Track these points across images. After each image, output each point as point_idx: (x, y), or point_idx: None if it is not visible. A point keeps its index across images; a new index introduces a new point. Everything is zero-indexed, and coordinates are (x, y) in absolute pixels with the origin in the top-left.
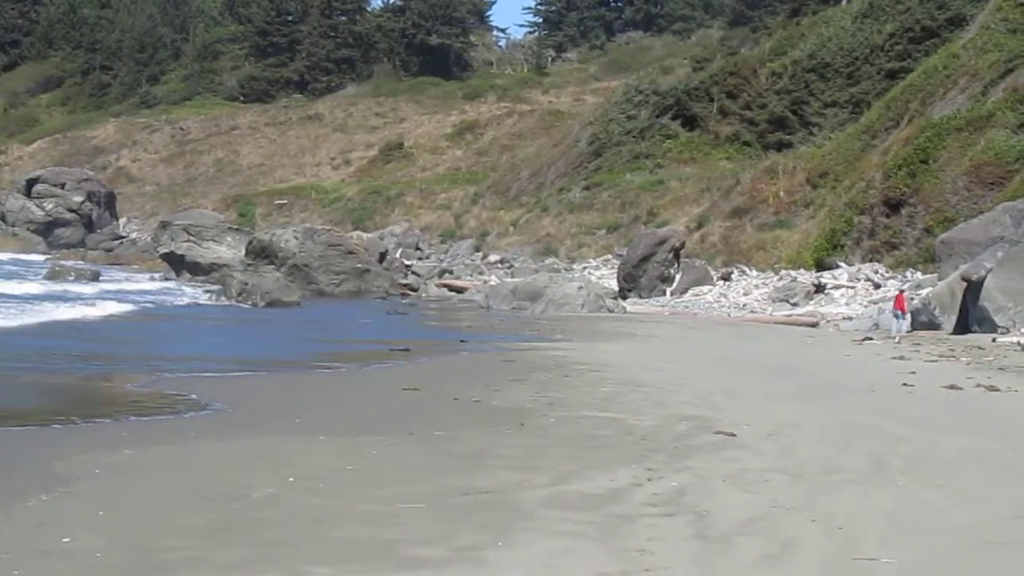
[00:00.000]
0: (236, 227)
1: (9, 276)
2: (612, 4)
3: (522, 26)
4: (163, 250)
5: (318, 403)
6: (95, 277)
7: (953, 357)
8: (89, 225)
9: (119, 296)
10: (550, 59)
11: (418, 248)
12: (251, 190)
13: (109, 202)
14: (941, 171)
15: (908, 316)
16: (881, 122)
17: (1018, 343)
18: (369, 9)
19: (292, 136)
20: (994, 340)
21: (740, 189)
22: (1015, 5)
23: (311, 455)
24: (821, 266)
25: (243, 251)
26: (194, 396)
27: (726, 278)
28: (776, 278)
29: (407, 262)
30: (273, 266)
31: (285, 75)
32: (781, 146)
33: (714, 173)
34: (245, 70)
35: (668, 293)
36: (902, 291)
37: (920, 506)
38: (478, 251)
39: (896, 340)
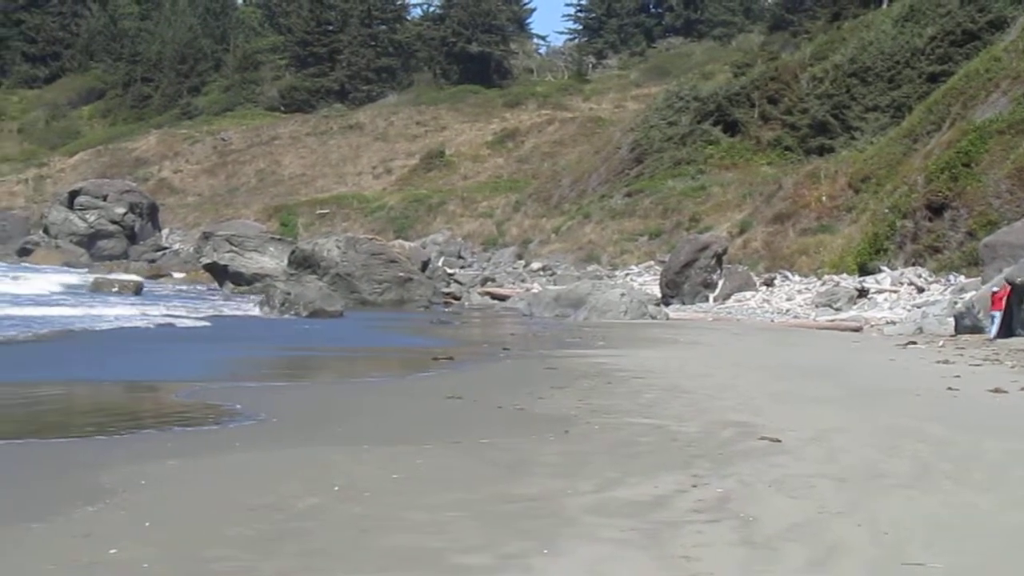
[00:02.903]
0: (278, 237)
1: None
2: (652, 10)
3: (562, 33)
4: (206, 261)
5: (362, 412)
6: (138, 290)
7: (997, 361)
8: (132, 237)
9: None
10: (590, 66)
11: (460, 256)
12: (293, 200)
13: (151, 213)
14: (984, 174)
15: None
16: (923, 126)
17: None
18: (409, 18)
19: (333, 145)
20: None
21: (782, 194)
22: None
23: (356, 464)
24: (864, 271)
25: (286, 261)
26: (238, 406)
27: (769, 284)
28: (819, 283)
29: (449, 270)
30: (316, 276)
31: (326, 85)
32: (823, 151)
33: (756, 178)
34: (286, 80)
35: (711, 299)
36: (995, 291)
37: (967, 510)
38: (520, 259)
39: (991, 338)
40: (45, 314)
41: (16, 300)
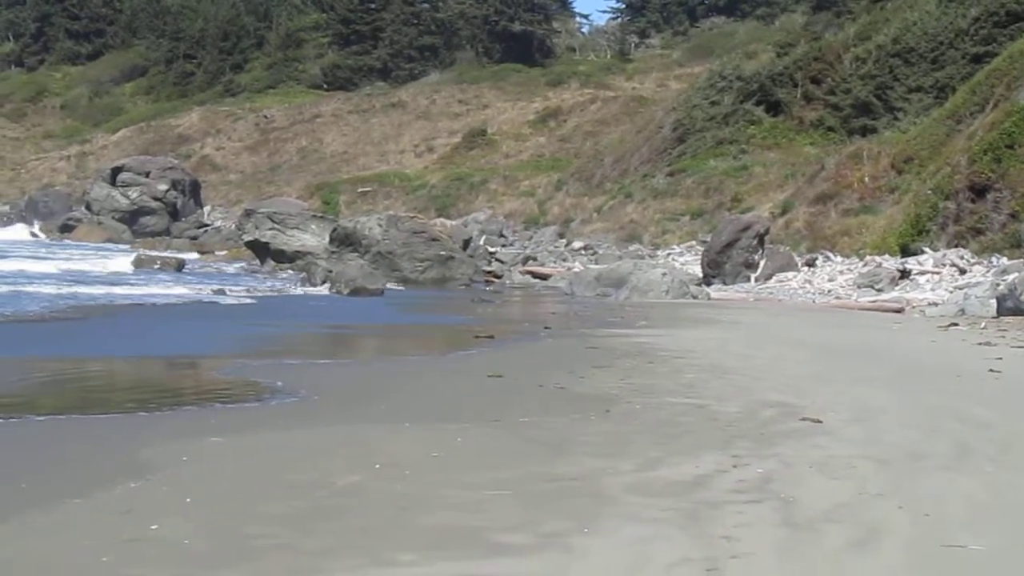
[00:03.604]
0: (320, 215)
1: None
2: None
3: (605, 12)
4: (247, 238)
5: (403, 390)
6: (180, 267)
7: None
8: (174, 213)
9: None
10: (633, 45)
11: (502, 235)
12: (335, 178)
13: (194, 190)
14: None
15: None
16: (966, 107)
17: None
18: None
19: (375, 124)
20: None
21: (825, 175)
22: None
23: (396, 442)
24: (906, 252)
25: (327, 239)
26: (279, 383)
27: (811, 264)
28: (861, 264)
29: (491, 249)
30: (357, 254)
31: (368, 63)
32: (866, 131)
33: (798, 159)
34: (328, 58)
35: (752, 279)
36: None
37: (1009, 491)
38: (562, 238)
39: None
40: (98, 292)
41: (81, 278)
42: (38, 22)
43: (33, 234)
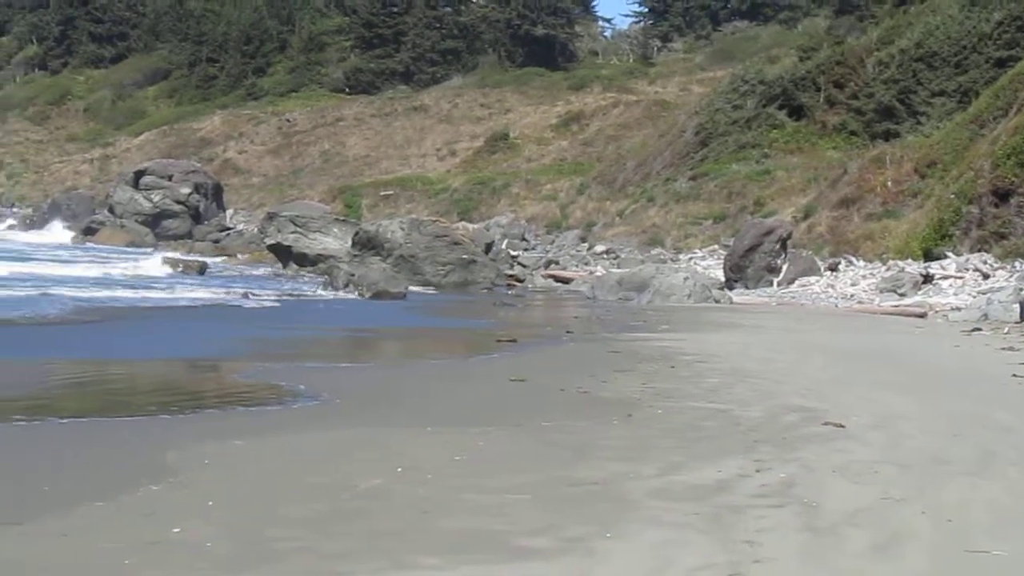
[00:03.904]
0: (342, 218)
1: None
2: None
3: (627, 16)
4: (270, 241)
5: (425, 394)
6: (202, 270)
7: None
8: (196, 217)
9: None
10: (656, 49)
11: (524, 239)
12: (357, 181)
13: (216, 194)
14: None
15: None
16: (989, 111)
17: None
18: (474, 0)
19: (398, 127)
20: None
21: (847, 179)
22: None
23: (418, 446)
24: (929, 256)
25: (349, 242)
26: (301, 386)
27: (833, 268)
28: (884, 268)
29: (513, 253)
30: (379, 257)
31: (390, 66)
32: (888, 135)
33: (821, 163)
34: (351, 62)
35: (775, 283)
36: None
37: None
38: (584, 242)
39: None
40: (122, 295)
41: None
42: (62, 25)
43: (73, 238)
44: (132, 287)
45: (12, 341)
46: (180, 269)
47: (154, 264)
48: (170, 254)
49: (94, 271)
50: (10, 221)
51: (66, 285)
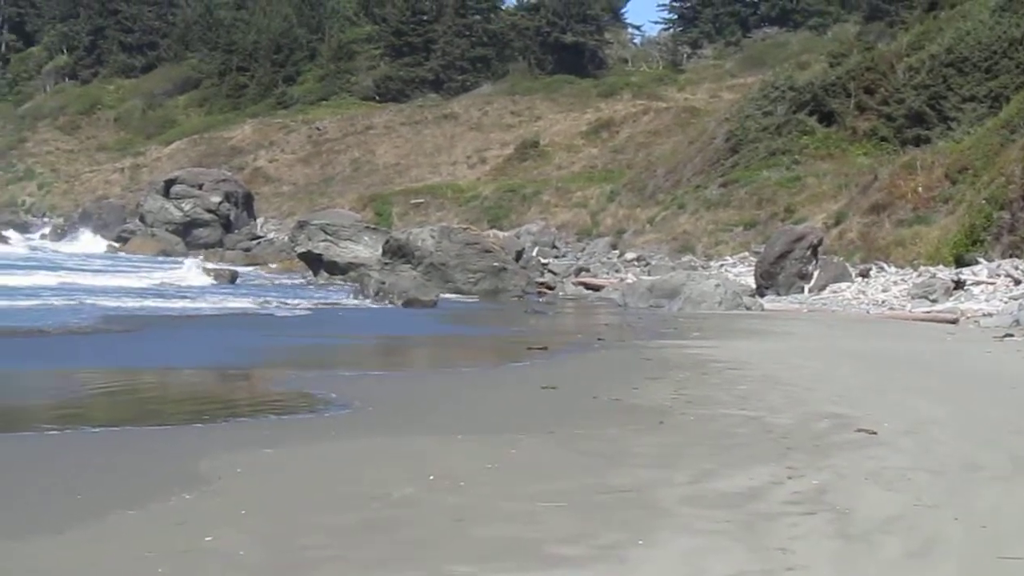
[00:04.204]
0: (373, 226)
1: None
2: (747, 0)
3: (657, 23)
4: (300, 250)
5: (456, 401)
6: (233, 278)
7: None
8: (227, 225)
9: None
10: (685, 56)
11: (554, 246)
12: (387, 189)
13: (247, 202)
14: None
15: None
16: (1020, 116)
17: None
18: (503, 8)
19: (428, 135)
20: None
21: (878, 185)
22: None
23: (450, 454)
24: (960, 262)
25: (380, 250)
26: (333, 395)
27: (864, 275)
28: (915, 274)
29: (543, 260)
30: (410, 265)
31: (420, 74)
32: (919, 141)
33: (851, 169)
34: (380, 70)
35: (806, 290)
36: None
37: None
38: (614, 249)
39: None
40: (153, 304)
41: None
42: (92, 35)
43: (106, 247)
44: (163, 296)
45: (45, 350)
46: (211, 278)
47: (185, 273)
48: (201, 263)
49: (125, 280)
50: (42, 231)
51: (97, 294)
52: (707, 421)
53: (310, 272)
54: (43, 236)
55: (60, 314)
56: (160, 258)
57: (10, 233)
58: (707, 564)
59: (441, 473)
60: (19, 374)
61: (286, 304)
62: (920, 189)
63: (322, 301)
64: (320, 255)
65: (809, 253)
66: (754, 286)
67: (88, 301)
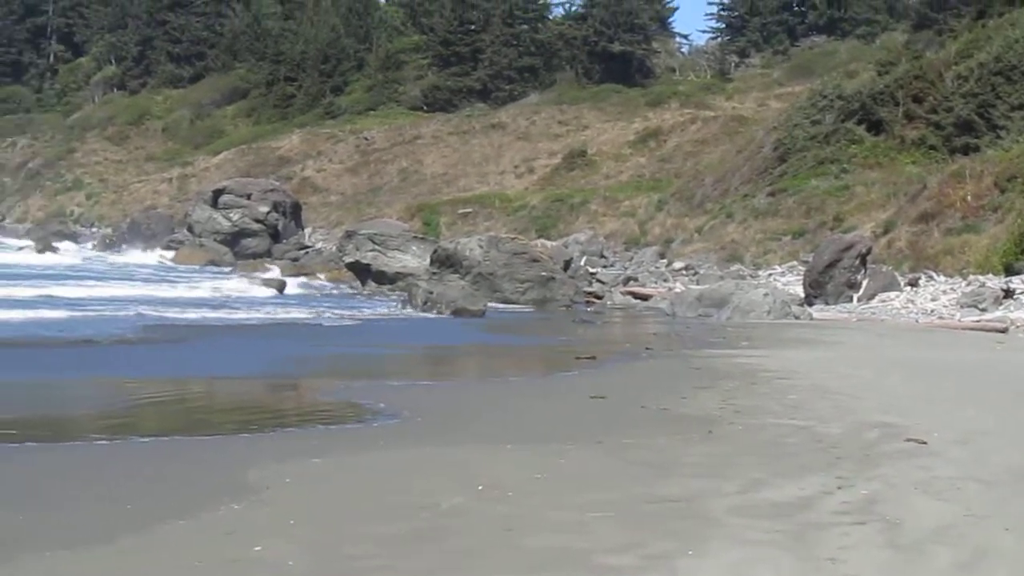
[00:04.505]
0: (421, 236)
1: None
2: (795, 8)
3: (704, 32)
4: (348, 259)
5: (505, 411)
6: (281, 288)
7: None
8: (275, 235)
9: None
10: (733, 64)
11: (602, 256)
12: (435, 199)
13: (295, 212)
14: None
15: None
16: None
17: None
18: (551, 17)
19: (475, 145)
20: None
21: (927, 194)
22: None
23: (498, 463)
24: (1010, 271)
25: (428, 260)
26: (381, 405)
27: (913, 284)
28: (964, 283)
29: (592, 270)
30: (458, 275)
31: (468, 84)
32: (968, 150)
33: (900, 178)
34: (428, 80)
35: (855, 299)
36: None
37: None
38: (662, 258)
39: None
40: (202, 314)
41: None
42: (140, 46)
43: (157, 257)
44: (211, 306)
45: (95, 360)
46: (259, 288)
47: (233, 283)
48: (249, 273)
49: (173, 290)
50: (90, 241)
51: (146, 304)
52: (756, 431)
53: (358, 282)
54: (93, 246)
55: (110, 324)
56: (209, 268)
57: (64, 244)
58: (757, 574)
59: (490, 483)
60: (68, 383)
61: (334, 313)
62: (969, 198)
63: (370, 311)
64: (368, 265)
65: (858, 262)
66: (803, 295)
67: (138, 311)
